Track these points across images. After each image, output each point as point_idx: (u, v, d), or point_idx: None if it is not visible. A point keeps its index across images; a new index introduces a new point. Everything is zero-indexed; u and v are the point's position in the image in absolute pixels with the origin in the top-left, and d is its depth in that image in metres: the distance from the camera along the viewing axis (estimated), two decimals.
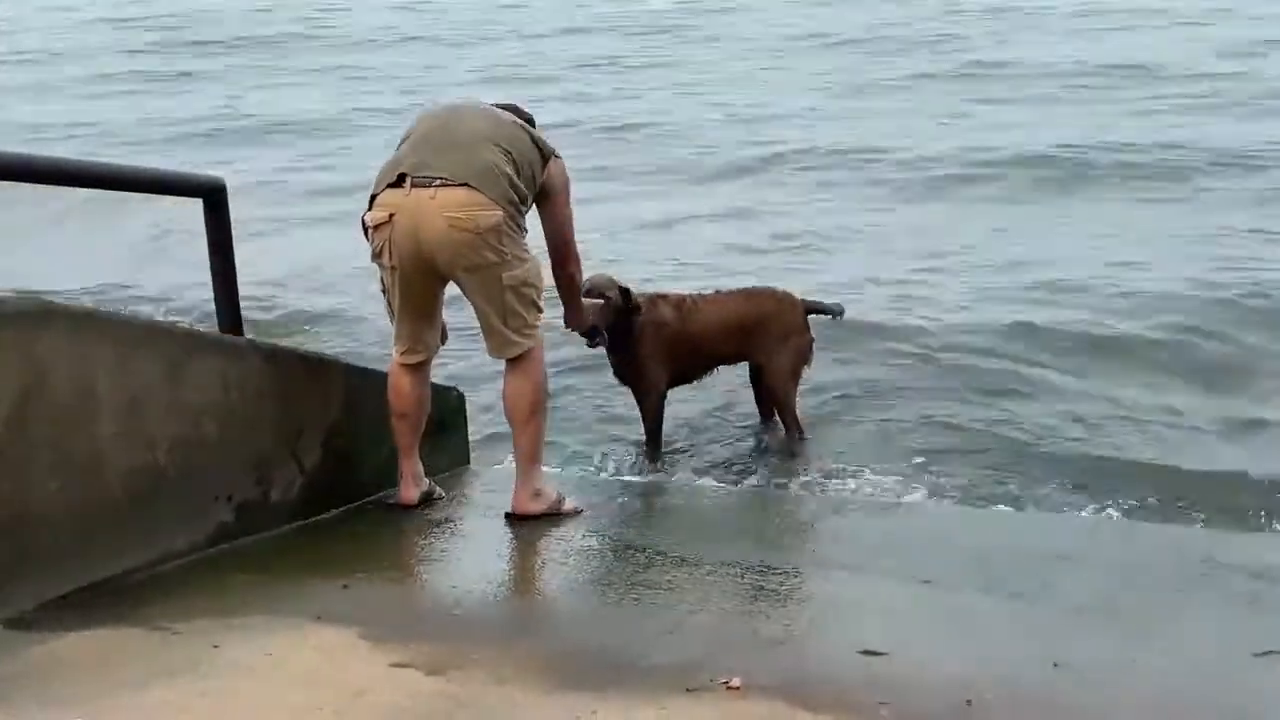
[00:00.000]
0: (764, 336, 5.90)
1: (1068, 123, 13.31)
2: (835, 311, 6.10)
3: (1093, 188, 11.18)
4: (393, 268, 4.50)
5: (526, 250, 4.54)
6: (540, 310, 4.64)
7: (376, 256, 4.53)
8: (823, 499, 5.29)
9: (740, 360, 6.06)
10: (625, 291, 5.71)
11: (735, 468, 5.83)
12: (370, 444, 4.86)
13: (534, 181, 4.51)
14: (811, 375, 6.35)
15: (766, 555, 4.38)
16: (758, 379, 6.08)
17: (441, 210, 4.34)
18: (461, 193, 4.34)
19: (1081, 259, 9.02)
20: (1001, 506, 5.21)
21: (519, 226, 4.48)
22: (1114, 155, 11.98)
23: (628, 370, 5.90)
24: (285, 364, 4.61)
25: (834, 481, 5.62)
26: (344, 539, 4.51)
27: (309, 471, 4.59)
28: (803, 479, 5.66)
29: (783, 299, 6.01)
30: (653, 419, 5.90)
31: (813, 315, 6.04)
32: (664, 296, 5.93)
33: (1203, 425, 6.05)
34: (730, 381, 6.40)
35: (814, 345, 6.02)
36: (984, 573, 4.18)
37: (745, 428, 6.22)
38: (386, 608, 3.83)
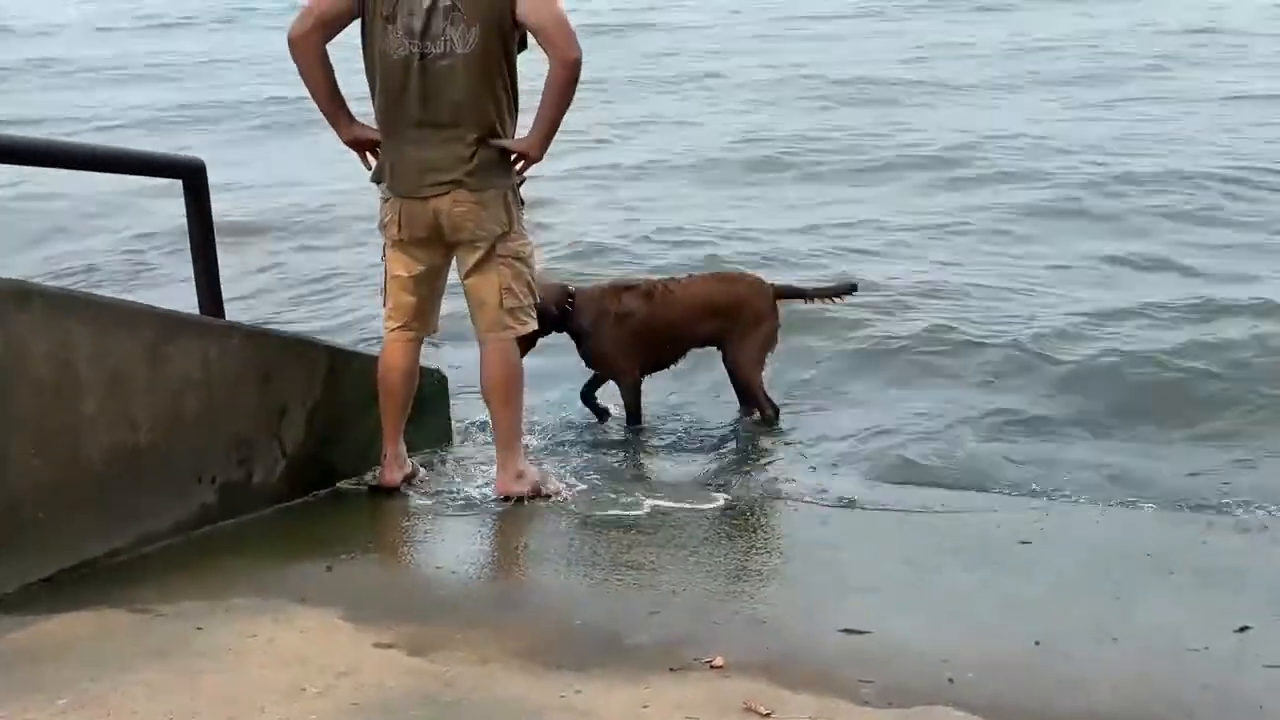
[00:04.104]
0: (734, 320, 5.90)
1: None
2: (811, 296, 6.08)
3: None
4: (399, 240, 4.53)
5: (526, 230, 4.61)
6: (535, 296, 4.67)
7: (384, 226, 4.57)
8: (803, 480, 5.29)
9: (712, 344, 6.04)
10: (567, 293, 5.72)
11: (716, 450, 5.83)
12: (353, 426, 4.86)
13: (513, 18, 4.31)
14: (788, 355, 6.39)
15: (748, 536, 4.41)
16: (726, 362, 6.06)
17: (449, 197, 4.44)
18: (461, 192, 4.42)
19: None
20: (980, 489, 5.20)
21: (518, 200, 4.54)
22: None
23: (597, 363, 5.89)
24: (267, 345, 4.60)
25: (813, 462, 5.62)
26: (327, 521, 4.52)
27: (291, 453, 4.59)
28: (783, 460, 5.66)
29: (754, 283, 6.00)
30: (632, 405, 5.89)
31: (783, 300, 6.02)
32: (631, 286, 5.89)
33: (1176, 403, 6.06)
34: (711, 365, 6.40)
35: (779, 330, 6.00)
36: (964, 553, 4.21)
37: (726, 411, 6.21)
38: (370, 589, 3.83)
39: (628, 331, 5.76)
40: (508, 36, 4.36)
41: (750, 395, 5.97)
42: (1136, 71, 14.10)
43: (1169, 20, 16.65)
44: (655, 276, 6.25)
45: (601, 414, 6.01)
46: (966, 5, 19.06)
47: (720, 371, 6.23)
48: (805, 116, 12.92)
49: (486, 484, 4.75)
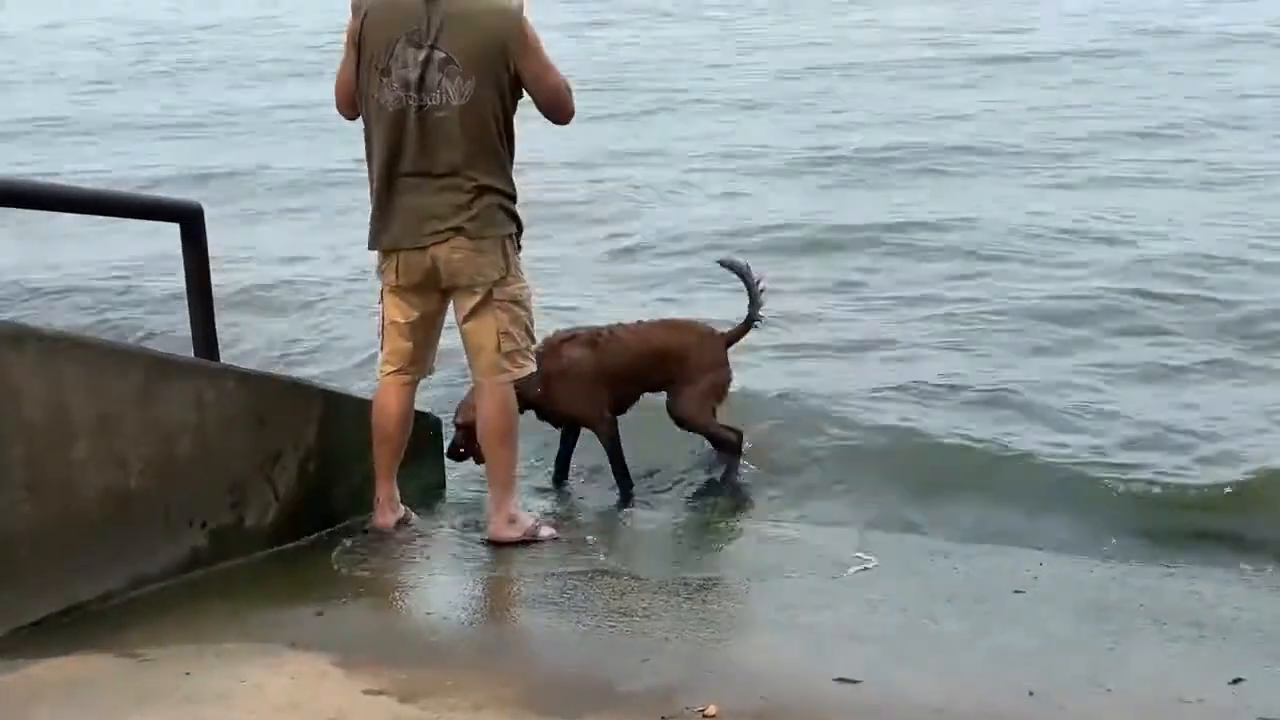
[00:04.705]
0: (681, 368, 5.78)
1: None
2: (752, 321, 6.00)
3: None
4: (396, 286, 4.55)
5: (523, 274, 4.61)
6: (533, 339, 4.67)
7: (381, 272, 4.60)
8: (796, 528, 5.28)
9: (662, 390, 5.88)
10: None
11: (707, 495, 5.79)
12: (346, 469, 4.85)
13: (511, 72, 4.43)
14: (785, 415, 6.37)
15: (741, 584, 4.39)
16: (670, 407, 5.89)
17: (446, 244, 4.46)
18: (460, 239, 4.45)
19: None
20: (974, 540, 5.18)
21: (516, 245, 4.57)
22: None
23: (563, 419, 5.79)
24: (260, 388, 4.60)
25: (806, 511, 5.60)
26: (319, 565, 4.49)
27: (284, 497, 4.57)
28: (775, 509, 5.63)
29: (704, 333, 5.91)
30: (613, 449, 5.78)
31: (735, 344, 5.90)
32: (571, 337, 5.77)
33: (1174, 458, 6.05)
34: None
35: (730, 381, 5.89)
36: (957, 603, 4.19)
37: (712, 457, 6.17)
38: (361, 634, 3.81)
39: (580, 380, 5.65)
40: (503, 89, 4.42)
41: (706, 434, 5.87)
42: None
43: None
44: (597, 324, 6.04)
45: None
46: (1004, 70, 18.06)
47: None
48: (810, 198, 11.63)
49: (479, 529, 4.73)
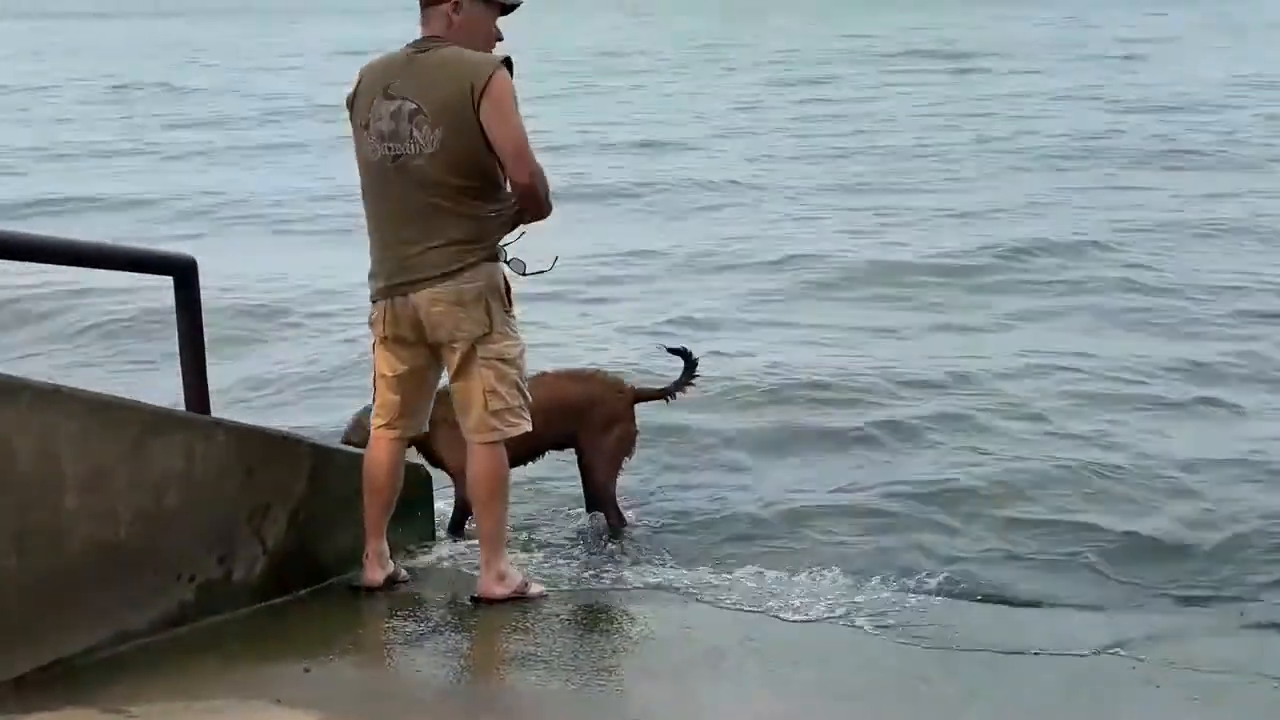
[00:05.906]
0: (585, 421, 5.66)
1: None
2: (673, 393, 5.90)
3: None
4: (384, 338, 4.57)
5: (513, 330, 4.59)
6: (526, 397, 4.66)
7: (372, 324, 4.62)
8: (788, 587, 5.22)
9: (565, 447, 5.75)
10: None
11: (691, 551, 5.73)
12: (335, 524, 4.83)
13: (476, 130, 4.37)
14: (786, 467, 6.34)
15: (732, 644, 4.36)
16: (580, 464, 5.78)
17: (426, 295, 4.46)
18: (437, 291, 4.45)
19: None
20: (969, 599, 5.15)
21: (505, 301, 4.54)
22: None
23: (433, 462, 5.50)
24: (251, 442, 4.58)
25: (795, 568, 5.56)
26: (307, 621, 4.47)
27: (272, 551, 4.55)
28: (765, 566, 5.57)
29: (610, 383, 5.81)
30: (460, 503, 5.48)
31: (643, 403, 5.79)
32: None
33: (1158, 507, 6.04)
34: (698, 464, 6.32)
35: (637, 436, 5.77)
36: (950, 662, 4.17)
37: (715, 510, 6.14)
38: (348, 691, 3.80)
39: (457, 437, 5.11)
40: (475, 138, 4.39)
41: (602, 502, 5.74)
42: None
43: None
44: None
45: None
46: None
47: (704, 464, 6.14)
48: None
49: (468, 586, 4.71)
